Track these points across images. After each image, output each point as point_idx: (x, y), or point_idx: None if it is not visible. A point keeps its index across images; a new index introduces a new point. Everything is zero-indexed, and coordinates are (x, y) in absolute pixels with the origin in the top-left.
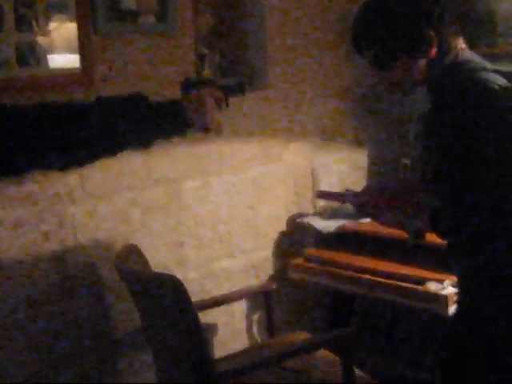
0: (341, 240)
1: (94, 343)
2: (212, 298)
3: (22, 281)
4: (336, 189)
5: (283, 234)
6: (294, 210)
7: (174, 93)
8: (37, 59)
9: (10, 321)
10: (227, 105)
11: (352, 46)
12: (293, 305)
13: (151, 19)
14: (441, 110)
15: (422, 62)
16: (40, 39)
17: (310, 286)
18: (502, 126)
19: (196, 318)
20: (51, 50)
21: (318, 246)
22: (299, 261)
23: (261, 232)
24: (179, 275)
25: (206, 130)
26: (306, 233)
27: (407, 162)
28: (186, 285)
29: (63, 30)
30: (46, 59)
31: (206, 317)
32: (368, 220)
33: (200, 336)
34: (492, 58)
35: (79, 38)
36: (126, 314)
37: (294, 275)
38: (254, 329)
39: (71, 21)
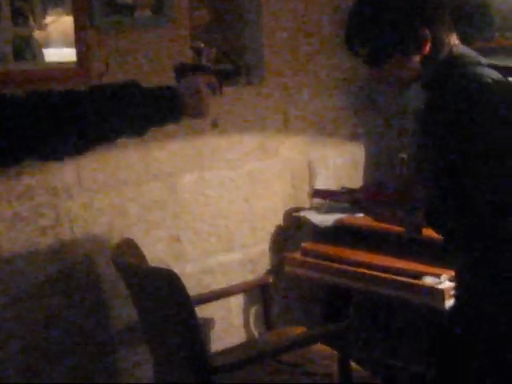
0: (337, 234)
1: (91, 337)
2: (209, 292)
3: (18, 275)
4: (332, 183)
5: (280, 228)
6: (291, 204)
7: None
8: (33, 53)
9: (7, 315)
10: (221, 92)
11: (345, 44)
12: (289, 299)
13: (147, 13)
14: (436, 106)
15: (416, 59)
16: (36, 33)
17: (306, 279)
18: (497, 120)
19: (193, 312)
20: (47, 44)
21: (315, 240)
22: (296, 255)
23: (257, 226)
24: (176, 269)
25: (200, 116)
26: (303, 227)
27: (404, 156)
28: (183, 279)
29: (59, 23)
30: (42, 53)
31: (202, 311)
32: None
33: (197, 330)
34: (489, 52)
35: (75, 32)
36: (123, 308)
37: (291, 269)
38: (251, 323)
39: (68, 14)
